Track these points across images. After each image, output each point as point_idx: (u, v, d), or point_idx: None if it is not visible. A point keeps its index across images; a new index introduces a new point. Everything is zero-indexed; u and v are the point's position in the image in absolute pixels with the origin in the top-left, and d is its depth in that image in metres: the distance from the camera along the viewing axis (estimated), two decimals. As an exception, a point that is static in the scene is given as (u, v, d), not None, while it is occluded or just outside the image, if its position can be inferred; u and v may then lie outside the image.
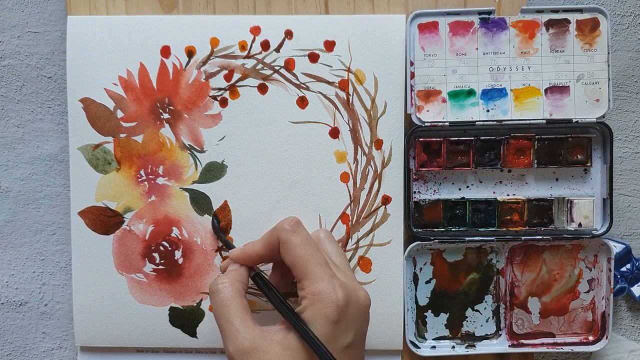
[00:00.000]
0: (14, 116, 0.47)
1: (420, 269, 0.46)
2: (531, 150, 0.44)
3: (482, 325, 0.46)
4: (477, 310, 0.46)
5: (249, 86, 0.45)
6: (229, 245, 0.44)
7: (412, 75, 0.44)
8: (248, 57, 0.44)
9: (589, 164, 0.45)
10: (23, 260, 0.48)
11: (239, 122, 0.45)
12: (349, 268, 0.39)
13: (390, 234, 0.45)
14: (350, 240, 0.45)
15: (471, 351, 0.46)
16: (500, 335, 0.46)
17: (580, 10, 0.44)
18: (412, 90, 0.44)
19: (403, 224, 0.45)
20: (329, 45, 0.44)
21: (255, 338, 0.34)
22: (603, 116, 0.44)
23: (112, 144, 0.45)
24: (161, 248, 0.45)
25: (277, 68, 0.44)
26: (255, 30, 0.44)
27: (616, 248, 0.46)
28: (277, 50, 0.44)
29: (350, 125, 0.45)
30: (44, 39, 0.47)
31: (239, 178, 0.45)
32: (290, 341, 0.34)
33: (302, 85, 0.44)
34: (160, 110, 0.45)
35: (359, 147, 0.45)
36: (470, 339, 0.46)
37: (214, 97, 0.45)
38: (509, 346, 0.46)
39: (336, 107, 0.45)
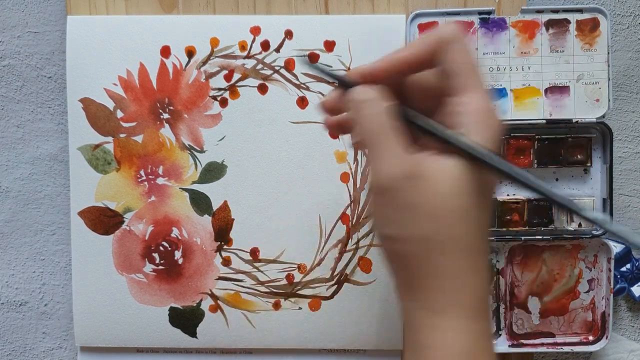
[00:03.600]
0: (13, 116, 0.47)
1: (420, 269, 0.46)
2: (531, 150, 0.44)
3: (482, 325, 0.46)
4: (477, 310, 0.46)
5: (249, 86, 0.45)
6: (339, 77, 0.31)
7: (412, 75, 0.44)
8: (248, 57, 0.44)
9: (588, 164, 0.45)
10: (23, 260, 0.48)
11: (239, 122, 0.45)
12: None
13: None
14: (350, 240, 0.45)
15: (471, 351, 0.46)
16: (500, 335, 0.46)
17: (580, 11, 0.44)
18: (412, 90, 0.44)
19: (403, 224, 0.45)
20: (329, 46, 0.44)
21: (418, 163, 0.27)
22: (603, 116, 0.44)
23: (112, 144, 0.45)
24: (161, 248, 0.45)
25: (277, 68, 0.44)
26: (255, 31, 0.44)
27: (616, 248, 0.46)
28: (277, 50, 0.44)
29: (350, 125, 0.45)
30: (43, 39, 0.47)
31: (239, 178, 0.45)
32: (457, 169, 0.27)
33: (302, 85, 0.44)
34: (160, 111, 0.45)
35: (359, 147, 0.45)
36: (470, 339, 0.46)
37: (214, 97, 0.45)
38: (509, 346, 0.46)
39: (336, 107, 0.45)
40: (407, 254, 0.28)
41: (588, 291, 0.46)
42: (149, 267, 0.45)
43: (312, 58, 0.33)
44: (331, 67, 0.32)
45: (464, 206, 0.27)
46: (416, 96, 0.30)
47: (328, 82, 0.44)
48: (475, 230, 0.27)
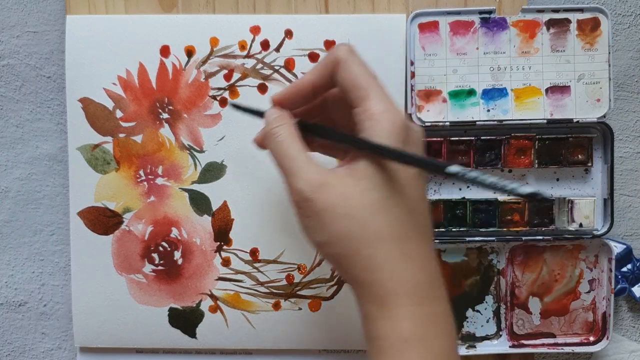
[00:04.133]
0: (13, 116, 0.47)
1: (421, 269, 0.46)
2: (532, 150, 0.44)
3: (482, 326, 0.46)
4: (477, 311, 0.46)
5: (249, 86, 0.44)
6: (260, 112, 0.36)
7: (413, 75, 0.44)
8: (248, 56, 0.44)
9: (589, 164, 0.44)
10: (22, 261, 0.48)
11: (238, 122, 0.44)
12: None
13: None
14: (350, 240, 0.45)
15: (472, 352, 0.46)
16: (500, 335, 0.46)
17: (581, 10, 0.44)
18: (412, 90, 0.44)
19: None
20: (329, 45, 0.44)
21: (325, 173, 0.30)
22: (604, 116, 0.44)
23: (111, 144, 0.45)
24: (160, 248, 0.45)
25: (277, 68, 0.44)
26: (255, 30, 0.44)
27: (617, 248, 0.46)
28: (277, 49, 0.44)
29: (351, 125, 0.44)
30: (43, 38, 0.46)
31: (238, 178, 0.45)
32: (362, 170, 0.30)
33: (302, 85, 0.44)
34: (160, 110, 0.45)
35: (359, 147, 0.45)
36: (471, 339, 0.46)
37: (214, 97, 0.45)
38: (510, 347, 0.46)
39: (336, 107, 0.44)
40: (339, 255, 0.30)
41: (589, 291, 0.46)
42: (148, 268, 0.45)
43: (236, 105, 0.38)
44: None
45: (376, 200, 0.29)
46: (337, 113, 0.34)
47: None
48: (395, 219, 0.29)
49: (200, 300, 0.45)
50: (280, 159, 0.32)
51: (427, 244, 0.31)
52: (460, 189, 0.45)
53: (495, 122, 0.44)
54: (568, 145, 0.44)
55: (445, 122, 0.44)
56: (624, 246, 0.46)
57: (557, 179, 0.45)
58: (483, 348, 0.46)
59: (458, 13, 0.44)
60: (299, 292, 0.45)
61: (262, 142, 0.34)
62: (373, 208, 0.29)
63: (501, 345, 0.46)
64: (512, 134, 0.44)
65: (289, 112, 0.34)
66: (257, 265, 0.45)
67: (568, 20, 0.44)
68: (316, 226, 0.30)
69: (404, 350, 0.29)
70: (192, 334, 0.45)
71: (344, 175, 0.30)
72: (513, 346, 0.46)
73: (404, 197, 0.30)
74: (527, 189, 0.25)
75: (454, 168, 0.27)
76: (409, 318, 0.29)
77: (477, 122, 0.44)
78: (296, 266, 0.45)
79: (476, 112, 0.44)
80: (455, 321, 0.31)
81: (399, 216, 0.30)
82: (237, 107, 0.37)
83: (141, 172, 0.45)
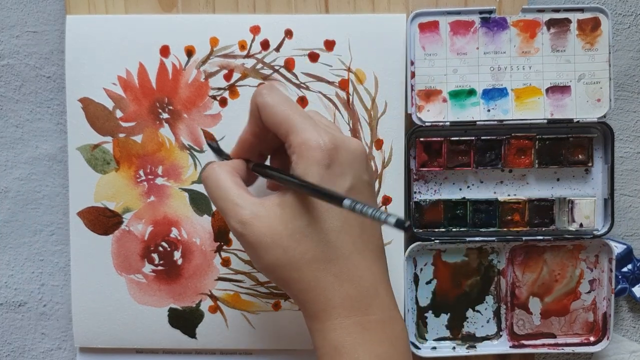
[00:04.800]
0: (12, 116, 0.47)
1: (421, 269, 0.46)
2: (532, 150, 0.44)
3: (482, 326, 0.46)
4: (477, 311, 0.46)
5: (249, 86, 0.44)
6: (218, 151, 0.40)
7: (413, 75, 0.44)
8: (248, 56, 0.44)
9: (590, 164, 0.44)
10: (22, 261, 0.47)
11: (238, 122, 0.44)
12: (337, 127, 0.37)
13: (391, 234, 0.44)
14: (350, 240, 0.45)
15: (472, 352, 0.46)
16: (501, 336, 0.46)
17: (581, 10, 0.44)
18: (412, 89, 0.44)
19: (403, 224, 0.45)
20: (329, 45, 0.44)
21: (254, 206, 0.33)
22: (604, 116, 0.44)
23: (111, 144, 0.45)
24: (160, 249, 0.45)
25: (277, 68, 0.44)
26: (255, 30, 0.44)
27: (617, 248, 0.46)
28: (277, 49, 0.44)
29: (351, 125, 0.44)
30: (42, 38, 0.46)
31: (238, 178, 0.45)
32: (288, 200, 0.33)
33: (302, 85, 0.44)
34: (160, 110, 0.45)
35: (359, 147, 0.44)
36: (471, 339, 0.46)
37: (214, 97, 0.44)
38: (510, 347, 0.46)
39: (336, 107, 0.44)
40: (276, 279, 0.34)
41: (589, 292, 0.46)
42: (148, 268, 0.45)
43: (211, 145, 0.40)
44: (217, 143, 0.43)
45: (298, 227, 0.32)
46: (285, 155, 0.35)
47: (328, 82, 0.44)
48: (317, 244, 0.32)
49: (200, 301, 0.45)
50: (214, 199, 0.35)
51: (360, 258, 0.33)
52: (460, 189, 0.45)
53: (496, 122, 0.44)
54: (568, 145, 0.44)
55: (445, 122, 0.44)
56: (625, 246, 0.46)
57: (558, 179, 0.45)
58: (483, 348, 0.46)
59: (458, 13, 0.44)
60: (299, 292, 0.45)
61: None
62: (295, 236, 0.32)
63: (501, 346, 0.46)
64: (513, 134, 0.44)
65: (242, 160, 0.37)
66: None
67: (568, 20, 0.44)
68: (253, 256, 0.34)
69: (335, 357, 0.32)
70: (192, 334, 0.45)
71: (273, 205, 0.33)
72: (513, 346, 0.46)
73: (327, 221, 0.32)
74: (392, 219, 0.27)
75: (346, 202, 0.29)
76: (340, 328, 0.32)
77: (478, 122, 0.44)
78: (296, 266, 0.45)
79: (476, 112, 0.44)
80: (399, 326, 0.34)
81: (321, 241, 0.32)
82: (212, 147, 0.40)
83: (141, 172, 0.45)
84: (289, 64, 0.44)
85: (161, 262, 0.45)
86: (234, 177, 0.35)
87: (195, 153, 0.45)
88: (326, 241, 0.32)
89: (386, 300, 0.33)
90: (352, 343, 0.32)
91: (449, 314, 0.46)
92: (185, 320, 0.45)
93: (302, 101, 0.44)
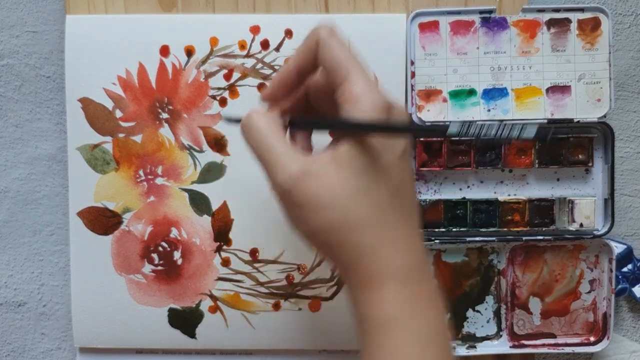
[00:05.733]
0: (12, 116, 0.47)
1: (421, 269, 0.46)
2: (532, 150, 0.44)
3: (482, 326, 0.46)
4: (477, 311, 0.46)
5: (249, 86, 0.44)
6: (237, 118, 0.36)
7: (413, 75, 0.44)
8: (248, 56, 0.44)
9: (590, 164, 0.44)
10: (22, 261, 0.47)
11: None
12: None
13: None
14: (350, 240, 0.45)
15: (472, 352, 0.45)
16: (501, 336, 0.46)
17: (581, 10, 0.44)
18: (412, 89, 0.44)
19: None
20: (329, 45, 0.44)
21: (305, 162, 0.30)
22: (604, 116, 0.44)
23: (110, 144, 0.45)
24: (160, 249, 0.45)
25: (277, 67, 0.44)
26: (255, 30, 0.44)
27: (617, 248, 0.46)
28: (277, 49, 0.44)
29: (351, 125, 0.44)
30: (42, 38, 0.46)
31: (238, 178, 0.45)
32: (344, 153, 0.29)
33: (302, 84, 0.44)
34: (160, 110, 0.45)
35: (359, 147, 0.44)
36: (471, 339, 0.46)
37: (214, 97, 0.44)
38: (510, 347, 0.46)
39: (336, 107, 0.44)
40: (324, 244, 0.30)
41: (589, 292, 0.46)
42: (148, 268, 0.45)
43: (229, 118, 0.36)
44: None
45: (357, 188, 0.29)
46: (320, 102, 0.33)
47: None
48: (377, 205, 0.29)
49: (200, 301, 0.45)
50: (258, 150, 0.31)
51: (411, 226, 0.31)
52: (460, 189, 0.45)
53: (496, 122, 0.44)
54: (569, 145, 0.44)
55: (445, 121, 0.44)
56: (625, 246, 0.46)
57: (558, 179, 0.45)
58: (483, 348, 0.46)
59: (458, 13, 0.44)
60: (299, 293, 0.45)
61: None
62: (355, 196, 0.29)
63: (501, 346, 0.46)
64: (513, 134, 0.44)
65: (279, 111, 0.33)
66: (257, 265, 0.45)
67: (568, 20, 0.44)
68: (299, 218, 0.30)
69: (390, 329, 0.29)
70: (192, 335, 0.45)
71: (326, 162, 0.30)
72: (513, 346, 0.46)
73: (386, 181, 0.30)
74: (532, 131, 0.24)
75: (454, 128, 0.26)
76: (394, 298, 0.29)
77: (478, 122, 0.44)
78: (296, 266, 0.45)
79: (476, 111, 0.44)
80: (443, 299, 0.31)
81: (381, 202, 0.30)
82: (230, 119, 0.36)
83: (141, 172, 0.45)
84: (289, 64, 0.44)
85: (161, 262, 0.45)
86: (281, 130, 0.32)
87: (195, 153, 0.45)
88: (385, 202, 0.30)
89: (430, 271, 0.32)
90: (407, 315, 0.29)
91: (449, 314, 0.46)
92: (185, 320, 0.45)
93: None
